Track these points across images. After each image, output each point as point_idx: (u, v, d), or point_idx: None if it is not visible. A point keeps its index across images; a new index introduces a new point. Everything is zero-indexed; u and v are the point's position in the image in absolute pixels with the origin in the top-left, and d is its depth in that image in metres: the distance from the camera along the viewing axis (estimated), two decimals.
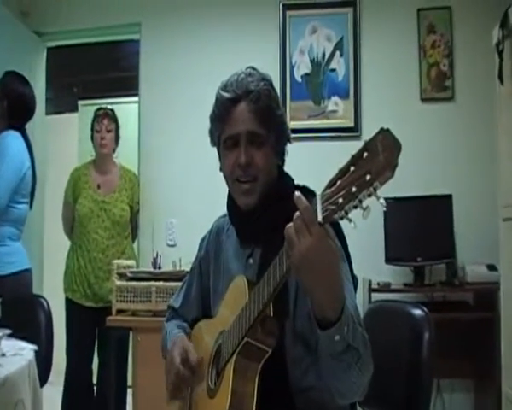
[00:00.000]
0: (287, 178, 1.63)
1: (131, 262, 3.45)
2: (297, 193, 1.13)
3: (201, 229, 1.87)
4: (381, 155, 0.97)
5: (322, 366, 1.27)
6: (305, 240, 1.11)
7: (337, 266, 1.16)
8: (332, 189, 1.06)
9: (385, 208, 0.97)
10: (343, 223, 1.08)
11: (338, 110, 3.88)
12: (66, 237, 3.93)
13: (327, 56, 3.93)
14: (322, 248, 1.12)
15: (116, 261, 3.29)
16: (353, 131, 3.83)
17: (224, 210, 1.74)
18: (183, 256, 3.22)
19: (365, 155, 1.00)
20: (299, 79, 3.95)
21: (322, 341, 1.21)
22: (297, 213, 1.14)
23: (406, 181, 3.50)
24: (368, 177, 0.98)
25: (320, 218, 1.08)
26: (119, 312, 3.13)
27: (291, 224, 1.14)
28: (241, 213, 1.58)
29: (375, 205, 1.02)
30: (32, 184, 3.20)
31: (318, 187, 1.37)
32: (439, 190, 3.63)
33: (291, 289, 1.46)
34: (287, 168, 1.66)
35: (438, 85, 3.82)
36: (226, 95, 1.53)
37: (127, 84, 5.53)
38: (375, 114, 3.83)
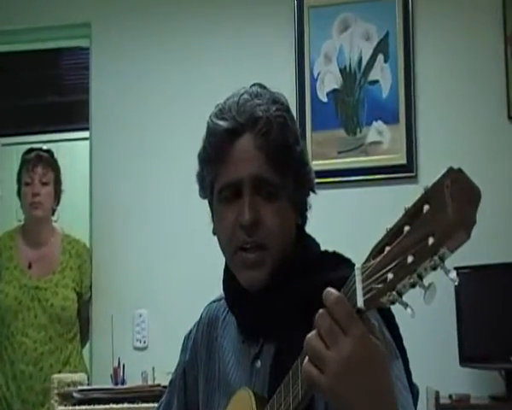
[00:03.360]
0: (309, 243, 1.64)
1: (80, 376, 3.42)
2: (327, 290, 1.14)
3: (184, 323, 1.86)
4: (449, 207, 0.96)
5: None
6: (339, 347, 1.10)
7: (386, 374, 1.15)
8: (378, 259, 1.06)
9: (456, 283, 0.97)
10: (395, 307, 1.08)
11: (383, 141, 3.91)
12: None
13: (365, 63, 3.98)
14: (366, 352, 1.11)
15: (56, 376, 3.26)
16: (406, 170, 3.85)
17: (217, 293, 1.73)
18: (159, 364, 3.20)
19: (426, 208, 1.00)
20: (325, 99, 3.99)
21: None
22: (321, 312, 1.13)
23: (488, 242, 3.49)
24: (431, 241, 0.97)
25: (361, 302, 1.08)
26: None
27: (312, 333, 1.13)
28: (244, 294, 1.58)
29: (441, 278, 1.02)
30: None
31: (355, 255, 1.38)
32: None
33: (319, 407, 1.44)
34: (309, 228, 1.67)
35: None
36: (222, 124, 1.54)
37: (72, 113, 5.60)
38: (437, 145, 3.84)
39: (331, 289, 1.13)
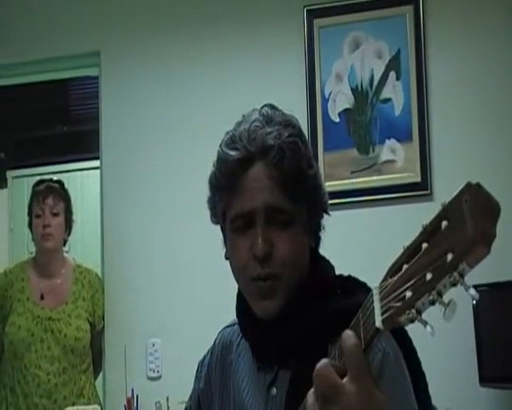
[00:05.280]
0: (324, 266, 1.64)
1: (93, 408, 3.41)
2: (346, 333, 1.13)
3: (198, 351, 1.86)
4: (469, 223, 0.94)
5: None
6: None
7: None
8: (396, 277, 1.05)
9: (476, 299, 0.95)
10: (412, 330, 1.06)
11: (396, 160, 3.89)
12: None
13: (377, 81, 3.97)
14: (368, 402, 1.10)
15: (70, 409, 3.24)
16: (421, 188, 3.83)
17: (230, 319, 1.73)
18: (173, 393, 3.18)
19: (444, 224, 0.99)
20: (337, 119, 3.99)
21: None
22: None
23: (507, 259, 3.46)
24: (450, 257, 0.96)
25: (379, 322, 1.07)
26: None
27: (326, 362, 1.13)
28: (258, 321, 1.58)
29: (458, 297, 1.00)
30: None
31: (371, 275, 1.36)
32: None
33: None
34: (324, 249, 1.66)
35: None
36: (233, 154, 1.54)
37: (82, 143, 5.63)
38: (451, 162, 3.82)
39: (350, 332, 1.13)
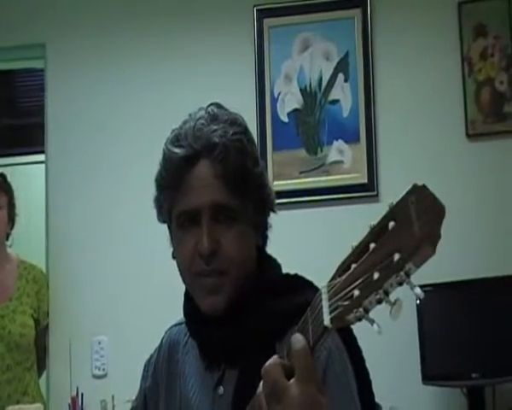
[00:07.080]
0: (270, 265, 1.65)
1: (36, 407, 3.38)
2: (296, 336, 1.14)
3: (145, 349, 1.85)
4: (415, 224, 0.97)
5: None
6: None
7: None
8: (344, 277, 1.06)
9: (421, 298, 0.97)
10: (360, 326, 1.08)
11: (344, 161, 3.93)
12: None
13: (325, 82, 4.00)
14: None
15: (11, 408, 3.22)
16: (368, 189, 3.87)
17: (178, 318, 1.73)
18: (119, 391, 3.17)
19: (391, 225, 1.01)
20: (286, 119, 4.01)
21: None
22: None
23: (450, 260, 3.51)
24: (396, 257, 0.98)
25: (327, 320, 1.08)
26: None
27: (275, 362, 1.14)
28: (204, 320, 1.59)
29: (404, 294, 1.02)
30: None
31: (318, 275, 1.38)
32: (503, 270, 3.65)
33: None
34: (271, 249, 1.67)
35: (493, 113, 3.87)
36: (179, 152, 1.55)
37: (27, 136, 5.56)
38: (398, 163, 3.87)
39: (299, 336, 1.14)
